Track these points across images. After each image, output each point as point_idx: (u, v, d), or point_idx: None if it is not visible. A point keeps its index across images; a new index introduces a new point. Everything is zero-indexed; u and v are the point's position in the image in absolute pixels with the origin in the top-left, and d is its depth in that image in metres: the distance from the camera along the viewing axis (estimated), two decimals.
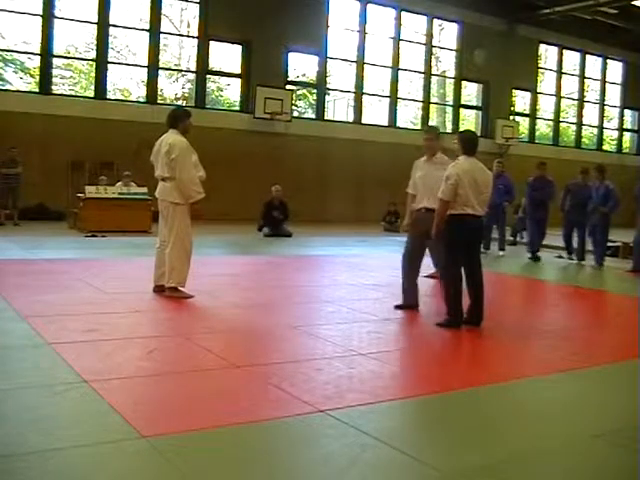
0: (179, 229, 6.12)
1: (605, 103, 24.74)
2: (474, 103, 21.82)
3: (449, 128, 20.97)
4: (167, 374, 3.89)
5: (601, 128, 24.79)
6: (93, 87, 15.75)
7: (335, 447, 2.94)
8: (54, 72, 15.62)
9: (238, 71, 17.37)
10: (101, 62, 15.52)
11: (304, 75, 19.08)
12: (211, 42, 16.68)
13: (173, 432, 2.97)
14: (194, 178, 6.09)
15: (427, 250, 6.62)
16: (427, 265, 8.12)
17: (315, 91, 18.71)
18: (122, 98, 16.72)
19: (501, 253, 11.51)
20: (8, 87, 15.37)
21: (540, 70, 23.01)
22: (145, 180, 11.54)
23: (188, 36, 17.45)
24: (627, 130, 25.84)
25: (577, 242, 10.94)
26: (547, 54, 23.45)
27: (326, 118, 18.63)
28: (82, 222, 12.04)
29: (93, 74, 15.88)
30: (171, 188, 6.09)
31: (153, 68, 16.13)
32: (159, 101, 16.30)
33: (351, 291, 7.11)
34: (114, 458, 2.73)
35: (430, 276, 8.06)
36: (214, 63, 17.28)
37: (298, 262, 9.69)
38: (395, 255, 10.72)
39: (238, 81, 17.53)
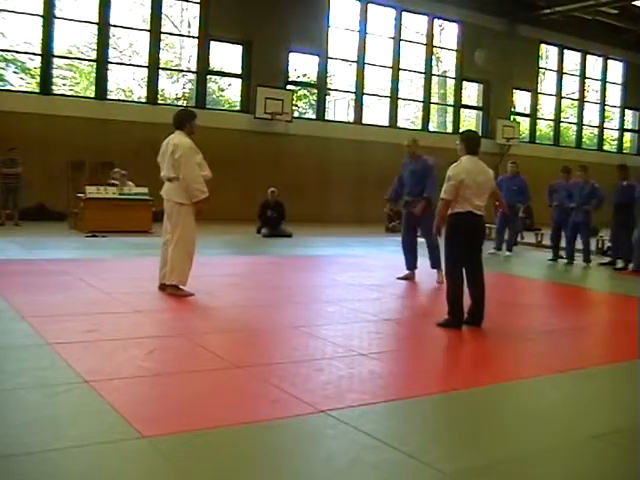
0: (183, 228, 6.22)
1: (606, 103, 24.72)
2: (474, 103, 21.81)
3: (450, 128, 20.99)
4: (167, 374, 3.89)
5: (602, 128, 24.78)
6: (94, 87, 15.76)
7: (335, 447, 2.94)
8: (55, 72, 15.62)
9: (238, 71, 17.36)
10: (101, 62, 15.53)
11: (305, 75, 19.07)
12: (211, 42, 16.67)
13: (173, 432, 2.97)
14: (198, 177, 6.17)
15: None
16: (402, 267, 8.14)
17: (315, 91, 18.70)
18: (122, 98, 16.73)
19: (508, 254, 11.57)
20: (8, 87, 15.36)
21: (540, 70, 22.99)
22: (147, 181, 11.55)
23: (188, 36, 17.47)
24: (628, 130, 25.81)
25: (566, 242, 10.99)
26: (548, 54, 23.44)
27: (326, 118, 18.61)
28: (82, 222, 12.03)
29: (93, 74, 15.89)
30: (176, 188, 6.19)
31: (153, 68, 16.12)
32: (159, 101, 16.31)
33: (351, 291, 7.11)
34: (114, 458, 2.73)
35: (404, 278, 8.02)
36: (214, 63, 17.28)
37: (298, 262, 9.69)
38: (395, 255, 10.72)
39: (238, 81, 17.53)
